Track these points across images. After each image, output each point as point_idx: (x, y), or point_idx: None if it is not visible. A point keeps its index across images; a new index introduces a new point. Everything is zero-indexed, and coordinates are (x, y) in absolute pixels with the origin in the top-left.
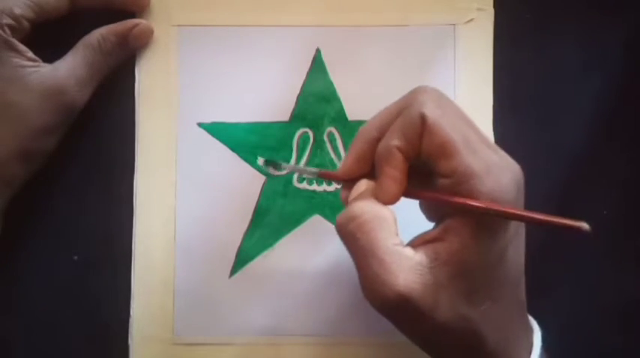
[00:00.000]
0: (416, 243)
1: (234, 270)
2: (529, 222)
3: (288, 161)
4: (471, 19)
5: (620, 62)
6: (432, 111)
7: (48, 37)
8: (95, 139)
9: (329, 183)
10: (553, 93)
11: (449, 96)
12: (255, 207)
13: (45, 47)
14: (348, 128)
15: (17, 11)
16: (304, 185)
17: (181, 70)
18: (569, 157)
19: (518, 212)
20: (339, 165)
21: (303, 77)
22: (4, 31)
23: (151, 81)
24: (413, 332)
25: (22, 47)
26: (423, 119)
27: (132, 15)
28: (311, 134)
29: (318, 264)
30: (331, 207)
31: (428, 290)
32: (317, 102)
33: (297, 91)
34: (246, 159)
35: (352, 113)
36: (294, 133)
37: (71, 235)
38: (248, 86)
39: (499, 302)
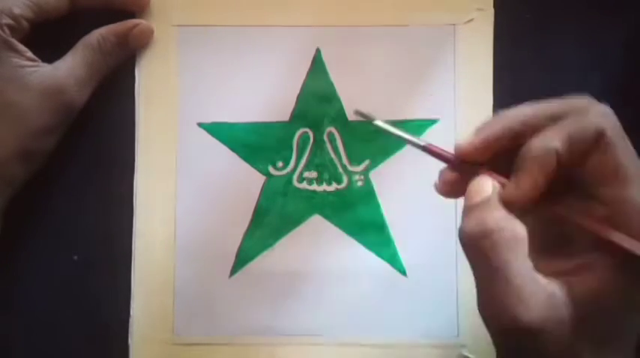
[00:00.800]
0: (544, 269)
1: (234, 270)
2: None
3: (288, 161)
4: (471, 19)
5: (620, 62)
6: (612, 129)
7: (48, 37)
8: (95, 139)
9: (329, 183)
10: (553, 93)
11: None
12: (255, 207)
13: (45, 47)
14: (348, 128)
15: (17, 11)
16: (304, 185)
17: (181, 70)
18: None
19: None
20: (339, 165)
21: (303, 77)
22: (3, 31)
23: (151, 81)
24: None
25: (21, 47)
26: (600, 134)
27: (132, 15)
28: (311, 134)
29: (318, 263)
30: (331, 207)
31: (560, 327)
32: (317, 102)
33: (297, 91)
34: (246, 159)
35: (352, 113)
36: (294, 133)
37: (71, 235)
38: (248, 86)
39: (623, 351)
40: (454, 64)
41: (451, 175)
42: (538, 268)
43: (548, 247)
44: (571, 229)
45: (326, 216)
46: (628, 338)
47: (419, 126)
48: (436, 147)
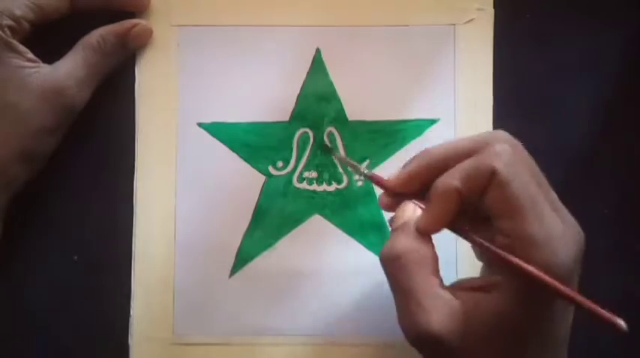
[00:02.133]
0: (461, 287)
1: (234, 270)
2: (571, 302)
3: (288, 161)
4: (471, 19)
5: (620, 62)
6: (504, 168)
7: (48, 38)
8: (95, 139)
9: (329, 183)
10: (553, 93)
11: (524, 149)
12: (255, 207)
13: (45, 47)
14: (348, 128)
15: (17, 12)
16: (304, 185)
17: (181, 70)
18: (569, 157)
19: (566, 291)
20: (339, 165)
21: (303, 77)
22: (4, 32)
23: (151, 81)
24: None
25: (22, 48)
26: (492, 173)
27: (132, 15)
28: (311, 134)
29: (319, 263)
30: (331, 207)
31: (459, 336)
32: (317, 103)
33: (298, 91)
34: (246, 159)
35: (352, 113)
36: (294, 133)
37: (71, 235)
38: (248, 86)
39: None
40: (454, 64)
41: (387, 200)
42: (460, 286)
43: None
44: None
45: (326, 216)
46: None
47: (419, 125)
48: (376, 177)
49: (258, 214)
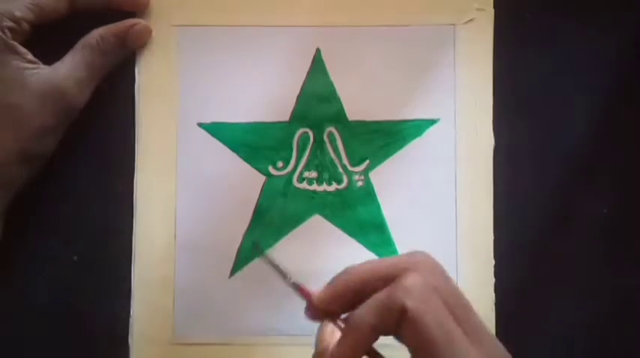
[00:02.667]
0: None
1: (234, 270)
2: None
3: (288, 161)
4: (471, 19)
5: (619, 62)
6: (414, 305)
7: (48, 38)
8: (95, 139)
9: (329, 183)
10: (553, 93)
11: (445, 270)
12: (256, 207)
13: (45, 48)
14: (348, 128)
15: (17, 14)
16: (304, 185)
17: (181, 70)
18: (570, 157)
19: None
20: (339, 165)
21: (303, 77)
22: (4, 33)
23: (151, 81)
24: None
25: (22, 49)
26: (403, 311)
27: (132, 15)
28: (311, 134)
29: (318, 263)
30: (331, 207)
31: None
32: (317, 103)
33: (297, 91)
34: (246, 159)
35: (352, 113)
36: (294, 133)
37: (71, 235)
38: (248, 86)
39: None
40: (454, 64)
41: (311, 313)
42: None
43: None
44: None
45: (326, 216)
46: None
47: (419, 126)
48: (303, 289)
49: (258, 214)
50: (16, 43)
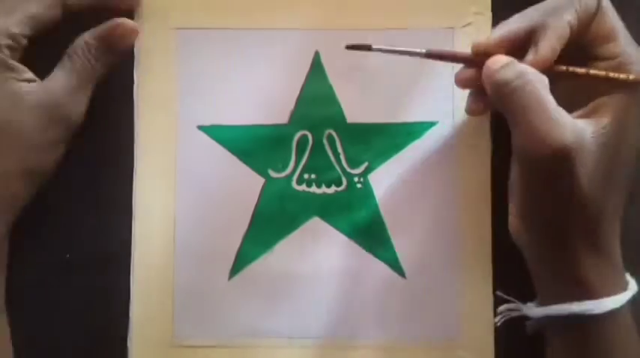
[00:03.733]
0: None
1: (233, 272)
2: None
3: (287, 164)
4: (469, 23)
5: None
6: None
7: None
8: (95, 142)
9: (328, 186)
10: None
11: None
12: (255, 209)
13: (40, 61)
14: (347, 131)
15: (14, 30)
16: (303, 187)
17: (181, 72)
18: None
19: None
20: (337, 168)
21: (302, 80)
22: (3, 52)
23: (150, 84)
24: (552, 190)
25: (21, 67)
26: (599, 3)
27: (128, 15)
28: (310, 136)
29: (318, 266)
30: (330, 209)
31: (592, 153)
32: (316, 105)
33: (297, 94)
34: (245, 162)
35: (351, 116)
36: (293, 136)
37: (70, 238)
38: (247, 89)
39: (623, 194)
40: (452, 67)
41: (467, 72)
42: None
43: (563, 105)
44: (578, 86)
45: (325, 219)
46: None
47: (417, 128)
48: (447, 51)
49: (258, 216)
50: (14, 62)
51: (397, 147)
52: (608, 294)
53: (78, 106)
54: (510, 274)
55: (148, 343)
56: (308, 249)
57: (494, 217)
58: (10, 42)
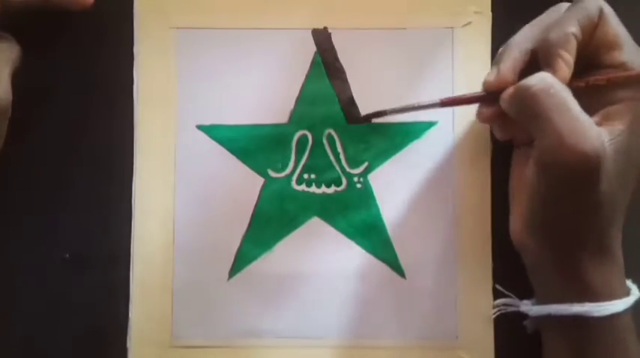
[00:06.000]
0: None
1: (232, 273)
2: None
3: (287, 163)
4: (469, 22)
5: None
6: (607, 6)
7: None
8: (94, 141)
9: (328, 186)
10: None
11: None
12: (254, 209)
13: None
14: (347, 130)
15: None
16: (303, 187)
17: (180, 72)
18: None
19: None
20: (337, 167)
21: (302, 79)
22: None
23: (149, 83)
24: (574, 197)
25: None
26: (601, 11)
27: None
28: (310, 136)
29: (317, 266)
30: (330, 210)
31: (612, 159)
32: (316, 105)
33: (296, 94)
34: (244, 162)
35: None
36: (292, 135)
37: (69, 238)
38: (247, 88)
39: (630, 196)
40: (452, 67)
41: (487, 110)
42: None
43: None
44: (590, 95)
45: (325, 219)
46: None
47: (418, 128)
48: (460, 96)
49: (257, 216)
50: None
51: (397, 147)
52: (610, 298)
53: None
54: (510, 274)
55: (147, 343)
56: (307, 249)
57: (494, 217)
58: None
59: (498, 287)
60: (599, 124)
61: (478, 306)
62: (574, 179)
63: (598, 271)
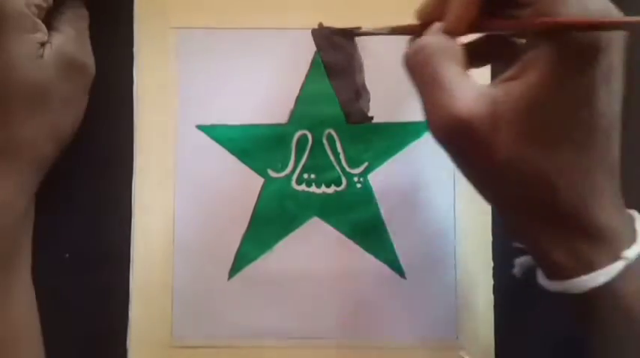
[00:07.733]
0: (491, 83)
1: (233, 273)
2: (626, 28)
3: (286, 163)
4: None
5: None
6: None
7: None
8: (94, 141)
9: (328, 185)
10: None
11: None
12: (254, 209)
13: None
14: (347, 130)
15: None
16: (303, 187)
17: (180, 72)
18: None
19: (611, 20)
20: (337, 167)
21: (302, 79)
22: (31, 10)
23: (149, 83)
24: (471, 165)
25: (42, 26)
26: None
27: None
28: (310, 136)
29: (317, 266)
30: (330, 209)
31: (489, 120)
32: (316, 105)
33: (296, 93)
34: (244, 162)
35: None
36: (292, 135)
37: (69, 238)
38: (247, 88)
39: (581, 152)
40: None
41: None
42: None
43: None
44: (504, 43)
45: (325, 218)
46: (597, 138)
47: (417, 128)
48: (399, 26)
49: (257, 216)
50: (39, 21)
51: (397, 146)
52: (602, 265)
53: (85, 56)
54: (509, 274)
55: (147, 343)
56: (307, 249)
57: (494, 217)
58: (40, 1)
59: (517, 245)
60: (516, 77)
61: (478, 306)
62: (455, 147)
63: (579, 242)
